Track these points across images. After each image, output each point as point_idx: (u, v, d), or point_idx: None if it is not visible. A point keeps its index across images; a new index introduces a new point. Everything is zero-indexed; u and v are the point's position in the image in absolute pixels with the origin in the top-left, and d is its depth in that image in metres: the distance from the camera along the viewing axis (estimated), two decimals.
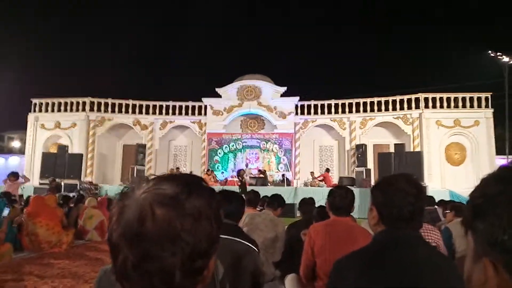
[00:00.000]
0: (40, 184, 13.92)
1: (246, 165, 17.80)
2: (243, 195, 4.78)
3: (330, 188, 12.42)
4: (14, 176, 8.94)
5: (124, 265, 0.62)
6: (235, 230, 2.50)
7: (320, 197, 12.85)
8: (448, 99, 17.06)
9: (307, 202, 4.48)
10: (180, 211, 0.63)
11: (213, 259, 0.70)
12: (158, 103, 19.61)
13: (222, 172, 18.48)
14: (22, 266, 4.95)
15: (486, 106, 16.69)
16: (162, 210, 0.62)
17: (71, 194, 10.61)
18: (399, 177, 1.53)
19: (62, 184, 13.30)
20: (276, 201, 4.40)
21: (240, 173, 12.77)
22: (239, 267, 2.27)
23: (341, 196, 2.74)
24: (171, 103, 19.62)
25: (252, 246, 2.43)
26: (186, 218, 0.62)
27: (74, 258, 5.56)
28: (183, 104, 19.67)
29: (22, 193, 10.56)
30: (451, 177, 16.26)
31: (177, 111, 19.57)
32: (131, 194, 0.66)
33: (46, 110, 19.22)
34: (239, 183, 12.47)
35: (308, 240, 2.76)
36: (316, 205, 4.98)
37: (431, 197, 7.55)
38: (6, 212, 6.39)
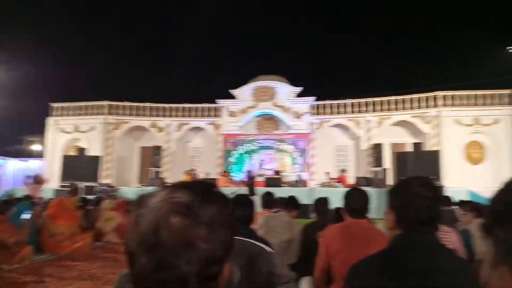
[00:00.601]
0: (61, 187, 14.20)
1: (261, 165, 17.81)
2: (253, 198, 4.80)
3: (346, 188, 12.30)
4: (36, 178, 9.15)
5: (141, 273, 0.63)
6: (249, 232, 2.50)
7: (337, 197, 12.78)
8: (467, 96, 16.71)
9: (322, 203, 4.43)
10: (195, 219, 0.64)
11: (227, 264, 0.70)
12: (174, 105, 19.82)
13: (238, 173, 18.52)
14: (43, 268, 5.07)
15: (507, 104, 16.28)
16: (177, 218, 0.63)
17: (89, 197, 10.79)
18: (414, 180, 1.52)
19: (82, 186, 13.53)
20: (291, 202, 4.39)
21: (250, 175, 12.72)
22: (253, 269, 2.27)
23: (356, 198, 2.72)
24: (186, 105, 19.80)
25: (266, 247, 2.43)
26: (200, 226, 0.64)
27: (92, 260, 5.66)
28: (199, 106, 19.83)
29: (42, 196, 10.77)
30: (470, 176, 15.92)
31: (193, 113, 19.75)
32: (147, 203, 0.67)
33: (65, 114, 19.64)
34: (248, 185, 12.43)
35: (323, 243, 2.74)
36: (332, 206, 4.94)
37: (448, 197, 7.41)
38: (28, 215, 6.56)
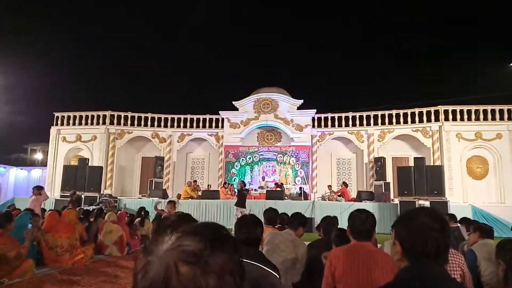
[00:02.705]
0: (61, 196, 14.18)
1: (263, 178, 17.77)
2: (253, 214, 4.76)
3: (349, 203, 12.22)
4: (38, 189, 9.12)
5: None
6: (255, 255, 2.48)
7: (338, 211, 12.73)
8: (469, 111, 16.72)
9: (329, 222, 4.39)
10: (204, 268, 0.63)
11: None
12: (176, 116, 19.89)
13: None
14: (44, 282, 5.04)
15: (509, 119, 16.28)
16: (186, 267, 0.62)
17: (91, 208, 10.77)
18: (422, 211, 1.51)
19: (83, 197, 13.52)
20: (296, 220, 4.32)
21: (241, 186, 12.31)
22: None
23: (361, 220, 2.71)
24: (188, 116, 19.87)
25: (271, 271, 2.41)
26: (210, 276, 0.63)
27: (94, 274, 5.62)
28: (201, 117, 19.89)
29: (44, 207, 10.76)
30: (473, 191, 15.87)
31: (194, 124, 19.81)
32: (154, 250, 0.66)
33: (68, 124, 19.73)
34: (237, 195, 12.14)
35: (329, 265, 2.72)
36: (333, 216, 4.87)
37: (453, 215, 7.39)
38: (30, 226, 6.54)
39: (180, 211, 12.81)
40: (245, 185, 12.50)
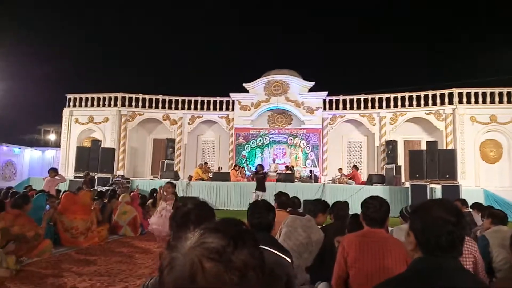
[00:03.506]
0: (75, 177, 14.44)
1: (273, 161, 17.81)
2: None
3: (359, 186, 12.21)
4: (53, 171, 9.30)
5: None
6: (268, 240, 2.52)
7: (349, 194, 12.76)
8: (484, 94, 16.40)
9: (342, 207, 4.41)
10: (228, 265, 0.65)
11: None
12: (187, 98, 19.91)
13: (250, 167, 18.58)
14: (61, 262, 5.19)
15: None
16: (211, 264, 0.64)
17: (104, 189, 10.95)
18: (438, 204, 1.50)
19: (96, 178, 13.74)
20: (317, 206, 4.32)
21: (259, 169, 12.48)
22: (270, 279, 2.29)
23: (375, 208, 2.72)
24: (199, 98, 19.86)
25: (284, 256, 2.45)
26: (233, 271, 0.65)
27: (109, 255, 5.77)
28: (211, 99, 19.88)
29: (59, 188, 10.98)
30: (486, 175, 15.72)
31: (205, 106, 19.82)
32: (179, 246, 0.69)
33: (80, 105, 19.93)
34: (257, 179, 12.26)
35: (341, 251, 2.75)
36: (343, 200, 4.88)
37: (464, 200, 7.36)
38: (47, 207, 6.71)
39: (196, 198, 12.98)
40: (262, 168, 12.59)
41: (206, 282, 0.63)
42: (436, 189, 12.56)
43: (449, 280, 1.34)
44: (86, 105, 19.87)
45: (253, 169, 18.09)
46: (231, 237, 0.69)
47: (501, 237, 3.71)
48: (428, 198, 11.81)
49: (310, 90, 18.81)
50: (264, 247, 2.47)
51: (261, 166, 12.86)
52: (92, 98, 19.89)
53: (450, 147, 15.92)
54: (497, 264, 3.76)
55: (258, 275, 0.69)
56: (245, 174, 16.88)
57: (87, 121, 19.68)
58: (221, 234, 0.69)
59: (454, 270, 1.39)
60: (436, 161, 12.34)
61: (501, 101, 16.18)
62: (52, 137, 32.00)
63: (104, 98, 19.79)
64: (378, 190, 12.87)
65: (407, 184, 13.47)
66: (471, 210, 6.78)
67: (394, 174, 14.41)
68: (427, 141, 13.75)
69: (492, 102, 16.27)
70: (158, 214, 6.07)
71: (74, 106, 20.00)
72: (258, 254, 0.72)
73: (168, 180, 13.53)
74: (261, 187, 11.85)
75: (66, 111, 19.94)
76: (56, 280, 4.29)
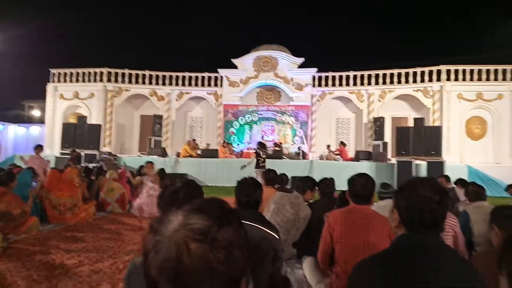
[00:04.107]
0: (61, 154, 14.28)
1: (262, 138, 17.83)
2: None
3: (346, 162, 12.31)
4: (39, 148, 9.16)
5: None
6: (256, 216, 2.54)
7: (336, 171, 12.89)
8: (472, 71, 16.51)
9: (327, 183, 4.46)
10: (213, 244, 0.65)
11: (244, 281, 0.73)
12: (174, 74, 19.60)
13: (238, 144, 18.59)
14: (49, 239, 5.18)
15: (510, 79, 16.12)
16: (196, 245, 0.64)
17: (91, 165, 10.87)
18: (422, 182, 1.52)
19: (82, 154, 13.60)
20: (306, 184, 4.37)
21: (264, 146, 12.06)
22: (258, 254, 2.32)
23: (361, 185, 2.75)
24: (187, 74, 19.57)
25: (271, 232, 2.48)
26: (219, 251, 0.65)
27: (97, 231, 5.77)
28: (199, 75, 19.60)
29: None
30: (470, 151, 16.03)
31: (193, 82, 19.55)
32: (163, 229, 0.68)
33: (65, 80, 19.47)
34: (258, 156, 11.98)
35: (327, 227, 2.80)
36: (331, 176, 4.93)
37: (447, 176, 7.51)
38: (34, 185, 6.64)
39: (185, 175, 12.83)
40: (262, 146, 12.29)
41: (192, 262, 0.63)
42: (421, 166, 12.78)
43: (432, 257, 1.37)
44: (70, 80, 19.42)
45: (240, 146, 18.10)
46: (215, 217, 0.69)
47: (482, 212, 3.80)
48: (413, 175, 12.04)
49: (300, 66, 18.66)
50: (251, 223, 2.51)
51: (259, 143, 12.75)
52: (77, 73, 19.43)
53: (437, 124, 16.12)
54: (477, 239, 3.87)
55: (243, 252, 0.70)
56: (234, 151, 16.89)
57: (72, 97, 19.29)
58: (205, 214, 0.69)
59: (437, 247, 1.42)
60: (422, 138, 12.51)
61: (488, 79, 16.33)
62: (36, 113, 31.37)
63: (90, 73, 19.36)
64: (364, 166, 13.03)
65: (393, 161, 13.67)
66: (454, 186, 6.93)
67: (381, 151, 14.59)
68: (414, 118, 13.91)
69: (479, 79, 16.42)
70: (146, 194, 5.96)
71: (59, 81, 19.53)
72: (242, 232, 0.72)
73: (150, 159, 13.49)
74: (262, 165, 11.53)
75: (50, 87, 19.48)
76: (44, 257, 4.28)
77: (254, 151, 13.08)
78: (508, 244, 0.69)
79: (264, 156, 11.63)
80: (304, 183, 4.30)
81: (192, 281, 0.63)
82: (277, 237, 2.48)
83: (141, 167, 10.80)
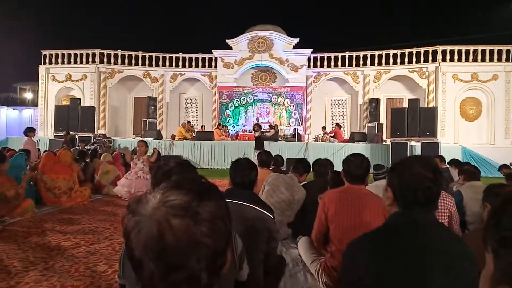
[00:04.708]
0: (55, 137, 14.17)
1: (257, 119, 17.78)
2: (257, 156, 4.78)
3: (341, 144, 12.36)
4: (31, 131, 9.06)
5: (151, 278, 0.65)
6: (251, 197, 2.54)
7: (331, 152, 12.95)
8: (467, 51, 16.44)
9: (321, 164, 4.46)
10: (196, 218, 0.65)
11: (229, 250, 0.73)
12: (168, 55, 19.34)
13: (233, 126, 18.54)
14: (45, 221, 5.18)
15: (506, 59, 16.09)
16: (178, 221, 0.64)
17: (85, 148, 10.80)
18: (416, 161, 1.52)
19: (76, 137, 13.51)
20: (301, 166, 4.38)
21: (255, 128, 12.38)
22: (253, 234, 2.33)
23: (356, 165, 2.75)
24: (181, 55, 19.32)
25: (266, 212, 2.48)
26: (202, 224, 0.65)
27: (93, 213, 5.78)
28: (193, 56, 19.36)
29: (38, 147, 10.77)
30: (465, 132, 16.12)
31: (187, 64, 19.33)
32: (141, 209, 0.67)
33: (57, 62, 19.17)
34: (256, 138, 12.17)
35: (322, 207, 2.81)
36: (325, 159, 4.95)
37: (442, 156, 7.56)
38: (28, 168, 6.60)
39: (180, 157, 12.80)
40: (258, 128, 12.39)
41: (176, 238, 0.63)
42: (416, 146, 12.85)
43: (425, 234, 1.37)
44: (63, 62, 19.12)
45: (235, 128, 18.08)
46: (194, 191, 0.69)
47: (474, 192, 3.84)
48: (408, 155, 12.13)
49: (295, 47, 18.47)
50: (246, 203, 2.50)
51: (256, 125, 12.84)
52: (69, 55, 19.12)
53: (432, 105, 16.14)
54: (470, 218, 3.92)
55: (225, 223, 0.70)
56: (229, 133, 16.86)
57: (65, 79, 19.03)
58: (184, 190, 0.68)
59: (430, 225, 1.42)
60: (417, 119, 12.53)
61: (483, 59, 16.28)
62: (28, 95, 30.98)
63: (82, 55, 19.05)
64: (359, 147, 13.08)
65: (388, 142, 13.72)
66: (448, 166, 6.99)
67: (376, 132, 14.64)
68: (409, 99, 13.90)
69: (475, 60, 16.37)
70: (134, 176, 5.57)
71: (51, 63, 19.22)
72: (223, 203, 0.72)
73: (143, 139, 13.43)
74: (261, 146, 11.71)
75: (42, 68, 19.18)
76: (40, 239, 4.29)
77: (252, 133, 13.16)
78: (491, 221, 0.68)
79: (259, 134, 11.78)
80: (304, 167, 4.34)
81: (177, 257, 0.63)
82: (272, 217, 2.49)
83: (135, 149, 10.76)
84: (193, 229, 0.64)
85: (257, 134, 12.16)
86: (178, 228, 0.63)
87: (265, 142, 12.38)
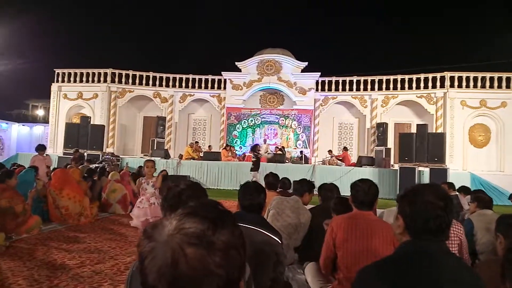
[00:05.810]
0: (64, 154, 14.31)
1: (265, 141, 17.82)
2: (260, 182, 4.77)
3: (349, 167, 12.28)
4: (42, 149, 9.15)
5: None
6: (258, 221, 2.53)
7: (338, 176, 12.88)
8: (475, 78, 16.48)
9: (327, 189, 4.43)
10: (210, 248, 0.65)
11: (243, 281, 0.73)
12: (178, 76, 19.64)
13: (241, 147, 18.59)
14: (51, 239, 5.19)
15: None
16: (192, 249, 0.64)
17: (93, 166, 10.88)
18: (427, 188, 1.51)
19: (85, 155, 13.63)
20: (302, 186, 4.34)
21: (255, 148, 12.58)
22: (260, 258, 2.31)
23: (364, 191, 2.74)
24: (190, 76, 19.61)
25: (274, 237, 2.47)
26: (216, 253, 0.65)
27: (99, 232, 5.77)
28: (203, 77, 19.64)
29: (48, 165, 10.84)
30: (473, 159, 15.96)
31: (196, 85, 19.59)
32: (157, 235, 0.68)
33: (69, 81, 19.55)
34: (253, 159, 12.38)
35: (330, 232, 2.79)
36: (333, 182, 4.90)
37: (451, 183, 7.47)
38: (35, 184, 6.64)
39: (186, 177, 12.85)
40: (256, 149, 12.54)
41: (189, 267, 0.63)
42: (424, 172, 12.74)
43: (437, 264, 1.36)
44: (75, 81, 19.51)
45: (242, 149, 18.13)
46: (209, 219, 0.69)
47: (485, 221, 3.78)
48: (416, 181, 12.00)
49: (303, 70, 18.67)
50: (254, 227, 2.49)
51: (254, 145, 12.94)
52: (81, 74, 19.52)
53: (440, 130, 16.07)
54: (480, 247, 3.85)
55: (240, 252, 0.70)
56: (236, 154, 16.89)
57: (76, 97, 19.37)
58: (199, 218, 0.69)
59: (441, 254, 1.41)
60: (426, 144, 12.47)
61: (491, 86, 16.29)
62: (40, 112, 31.46)
63: (94, 74, 19.43)
64: (367, 172, 13.01)
65: (396, 167, 13.63)
66: (457, 193, 6.90)
67: (384, 157, 14.55)
68: (417, 124, 13.87)
69: (483, 86, 16.38)
70: (147, 203, 5.10)
71: (63, 81, 19.61)
72: (238, 233, 0.72)
73: (151, 158, 13.48)
74: (257, 167, 11.95)
75: (54, 86, 19.56)
76: (45, 257, 4.29)
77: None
78: (510, 255, 0.68)
79: (254, 159, 12.01)
80: (301, 186, 4.30)
81: (190, 286, 0.63)
82: (280, 241, 2.48)
83: (141, 167, 10.79)
84: (207, 259, 0.64)
85: (254, 159, 12.34)
86: (192, 257, 0.64)
87: (272, 164, 12.41)
